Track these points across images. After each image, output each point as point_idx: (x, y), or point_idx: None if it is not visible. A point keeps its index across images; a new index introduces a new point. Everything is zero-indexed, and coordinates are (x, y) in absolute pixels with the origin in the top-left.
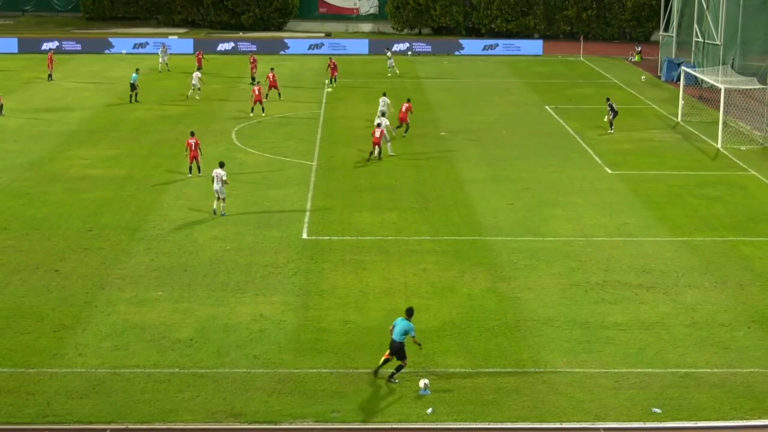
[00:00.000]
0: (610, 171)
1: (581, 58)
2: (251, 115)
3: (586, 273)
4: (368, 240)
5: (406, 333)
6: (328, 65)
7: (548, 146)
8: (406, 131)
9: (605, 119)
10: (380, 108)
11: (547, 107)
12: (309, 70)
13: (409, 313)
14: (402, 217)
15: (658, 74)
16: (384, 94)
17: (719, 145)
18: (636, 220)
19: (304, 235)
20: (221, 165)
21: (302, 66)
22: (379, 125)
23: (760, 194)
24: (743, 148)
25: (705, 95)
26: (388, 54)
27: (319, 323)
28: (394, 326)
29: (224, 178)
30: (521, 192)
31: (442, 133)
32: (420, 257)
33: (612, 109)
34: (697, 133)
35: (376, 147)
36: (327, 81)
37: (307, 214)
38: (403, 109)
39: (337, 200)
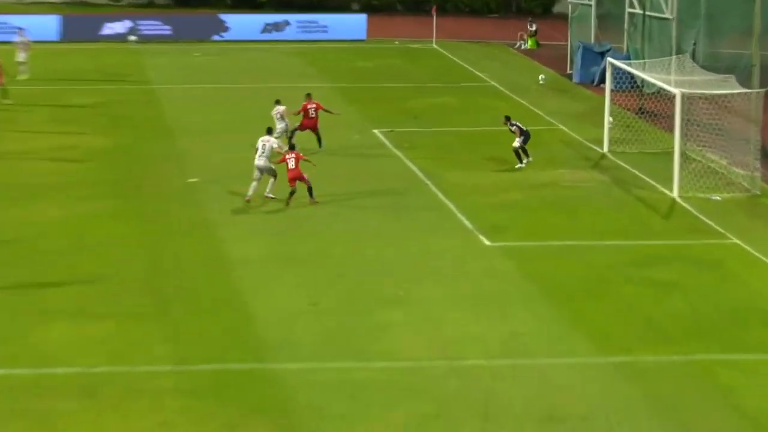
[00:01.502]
0: (487, 241)
1: (434, 44)
2: None
3: (451, 425)
4: (61, 374)
5: None
6: None
7: (379, 198)
8: (320, 144)
9: (514, 145)
10: (277, 125)
11: (376, 131)
12: None
13: None
14: (123, 330)
15: (568, 71)
16: (278, 102)
17: (675, 193)
18: (535, 327)
19: None
20: None
21: None
22: (292, 148)
23: (747, 276)
24: (716, 197)
25: (648, 106)
26: (20, 39)
27: None
28: None
29: None
30: (333, 281)
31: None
32: (156, 401)
33: (520, 130)
34: (635, 171)
35: (295, 183)
36: None
37: None
38: (312, 113)
39: (5, 303)
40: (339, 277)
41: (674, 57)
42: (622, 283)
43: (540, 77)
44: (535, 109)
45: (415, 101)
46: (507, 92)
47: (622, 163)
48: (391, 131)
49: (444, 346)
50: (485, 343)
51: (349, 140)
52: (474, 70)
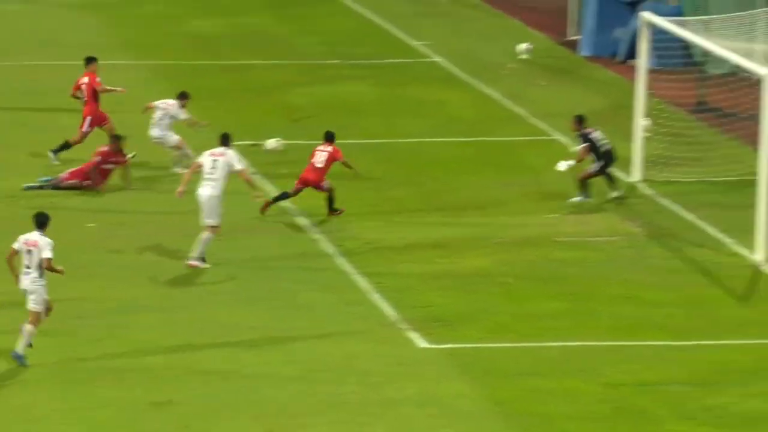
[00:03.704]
0: (424, 342)
1: None
2: None
3: None
4: None
5: None
6: None
7: (225, 270)
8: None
9: (580, 175)
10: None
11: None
12: None
13: None
14: None
15: (571, 36)
16: (183, 97)
17: (761, 255)
18: None
19: None
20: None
21: None
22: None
23: None
24: None
25: (715, 99)
26: None
27: None
28: None
29: None
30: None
31: None
32: None
33: (592, 146)
34: (690, 216)
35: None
36: None
37: None
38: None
39: None
40: (155, 406)
41: (763, 11)
42: (670, 419)
43: (521, 47)
44: (513, 106)
45: (299, 92)
46: (462, 75)
47: (666, 202)
48: (254, 146)
49: None
50: None
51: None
52: (405, 36)
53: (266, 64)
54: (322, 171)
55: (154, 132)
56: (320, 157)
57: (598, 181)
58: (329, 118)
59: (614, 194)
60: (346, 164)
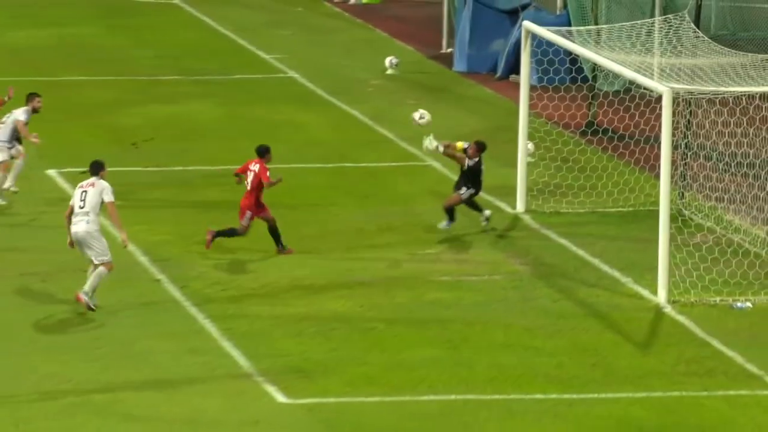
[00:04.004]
0: (283, 397)
1: None
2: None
3: None
4: None
5: None
6: None
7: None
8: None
9: (450, 202)
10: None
11: (53, 173)
12: None
13: None
14: None
15: (444, 49)
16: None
17: (661, 297)
18: None
19: None
20: None
21: None
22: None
23: None
24: (743, 303)
25: (606, 120)
26: None
27: None
28: None
29: None
30: None
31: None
32: None
33: (477, 174)
34: (581, 252)
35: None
36: None
37: None
38: None
39: None
40: None
41: (658, 19)
42: None
43: (388, 62)
44: (379, 128)
45: (132, 112)
46: (321, 93)
47: (553, 236)
48: (86, 173)
49: None
50: None
51: None
52: (256, 49)
53: (95, 80)
54: (251, 195)
55: None
56: (249, 178)
57: (465, 209)
58: (168, 142)
59: (484, 216)
60: (273, 185)
